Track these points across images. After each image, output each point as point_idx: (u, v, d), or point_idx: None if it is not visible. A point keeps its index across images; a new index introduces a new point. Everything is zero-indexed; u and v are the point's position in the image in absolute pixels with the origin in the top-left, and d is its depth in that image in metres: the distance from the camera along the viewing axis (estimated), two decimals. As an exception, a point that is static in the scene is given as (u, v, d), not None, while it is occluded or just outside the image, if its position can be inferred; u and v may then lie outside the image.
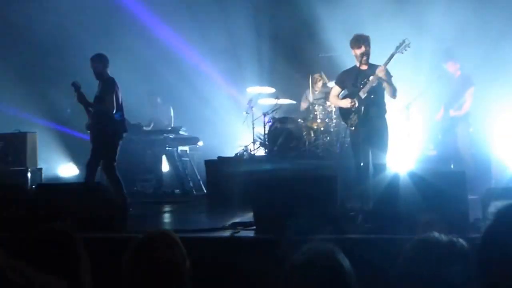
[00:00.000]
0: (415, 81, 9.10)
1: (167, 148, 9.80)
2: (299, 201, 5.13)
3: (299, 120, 9.37)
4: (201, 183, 9.64)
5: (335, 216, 5.02)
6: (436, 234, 2.07)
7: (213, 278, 4.52)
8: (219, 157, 8.98)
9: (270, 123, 9.37)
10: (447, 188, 4.89)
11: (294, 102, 10.35)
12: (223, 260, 4.67)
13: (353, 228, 5.05)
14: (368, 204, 5.53)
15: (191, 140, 9.99)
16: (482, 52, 9.15)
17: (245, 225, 5.42)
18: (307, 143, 9.16)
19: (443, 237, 2.05)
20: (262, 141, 9.55)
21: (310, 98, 9.75)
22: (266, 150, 9.38)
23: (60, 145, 11.38)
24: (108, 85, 7.14)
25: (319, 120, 9.20)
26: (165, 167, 10.21)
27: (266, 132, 9.30)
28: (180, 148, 9.92)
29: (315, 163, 8.34)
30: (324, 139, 9.36)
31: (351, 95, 6.45)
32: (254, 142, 9.61)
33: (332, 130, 9.25)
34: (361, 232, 4.87)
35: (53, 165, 10.91)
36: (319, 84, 9.99)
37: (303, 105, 10.07)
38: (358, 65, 6.44)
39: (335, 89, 6.88)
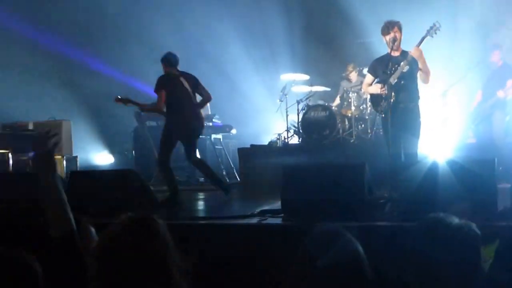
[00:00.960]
0: (453, 67, 9.05)
1: (200, 136, 9.96)
2: (326, 189, 5.23)
3: (333, 107, 9.42)
4: (235, 171, 9.81)
5: (362, 203, 5.09)
6: (445, 215, 2.15)
7: (239, 264, 4.70)
8: (252, 145, 9.12)
9: (304, 111, 9.44)
10: (476, 176, 4.90)
11: (328, 89, 10.39)
12: (250, 246, 4.81)
13: (381, 215, 5.11)
14: (397, 192, 5.58)
15: (224, 128, 10.15)
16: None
17: (273, 212, 5.54)
18: (341, 131, 9.21)
19: (454, 220, 2.13)
20: (296, 129, 9.65)
21: (345, 86, 9.79)
22: (300, 138, 9.48)
23: (95, 133, 11.72)
24: None
25: (353, 108, 9.23)
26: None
27: (300, 120, 9.39)
28: (214, 136, 10.08)
29: (348, 151, 8.40)
30: (359, 126, 9.39)
31: (381, 82, 6.49)
32: (287, 130, 9.70)
33: (367, 117, 9.26)
34: (388, 219, 4.93)
35: (89, 153, 11.24)
36: (353, 74, 9.99)
37: (337, 100, 10.11)
38: (389, 51, 6.46)
39: (368, 77, 6.92)
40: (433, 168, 5.23)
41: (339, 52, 11.07)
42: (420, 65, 6.41)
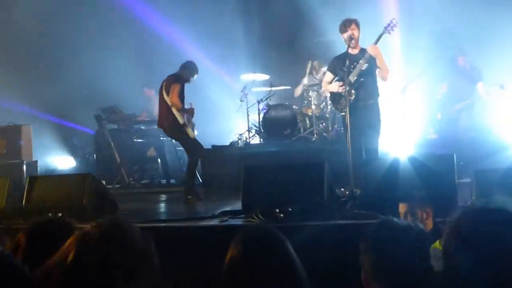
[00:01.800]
0: (411, 63, 9.10)
1: (161, 138, 9.81)
2: (286, 188, 5.16)
3: (293, 106, 9.38)
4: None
5: (322, 202, 5.02)
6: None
7: (200, 266, 4.58)
8: (214, 146, 9.02)
9: (264, 110, 9.38)
10: (436, 171, 4.91)
11: (288, 87, 10.35)
12: (209, 248, 4.69)
13: (342, 214, 5.05)
14: (358, 190, 5.54)
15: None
16: (484, 31, 9.15)
17: (234, 213, 5.44)
18: (302, 129, 9.18)
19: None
20: (257, 129, 9.57)
21: (305, 82, 9.74)
22: (261, 138, 9.41)
23: (57, 137, 11.43)
24: None
25: (313, 106, 9.19)
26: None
27: (261, 119, 9.32)
28: (175, 138, 9.91)
29: (309, 150, 8.37)
30: (320, 125, 9.37)
31: (341, 80, 6.46)
32: (249, 130, 9.62)
33: (327, 115, 9.25)
34: (348, 217, 4.88)
35: (50, 158, 10.96)
36: (321, 71, 9.94)
37: (297, 91, 10.06)
38: (347, 49, 6.45)
39: (328, 76, 6.90)
40: (394, 165, 5.22)
41: (299, 51, 11.04)
42: (378, 63, 6.40)
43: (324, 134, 9.12)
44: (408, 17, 9.47)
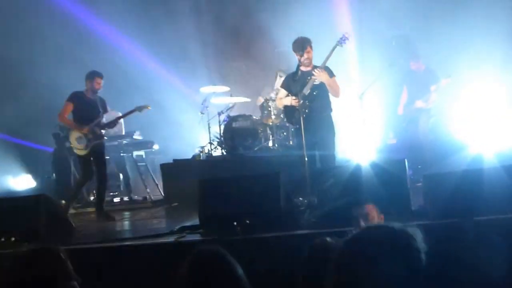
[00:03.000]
0: (367, 69, 9.22)
1: (121, 154, 9.71)
2: (243, 200, 5.17)
3: (254, 117, 9.38)
4: (159, 187, 9.60)
5: (279, 213, 5.03)
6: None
7: (158, 285, 4.52)
8: (175, 160, 8.97)
9: (225, 122, 9.37)
10: (388, 176, 4.97)
11: (248, 100, 10.35)
12: (167, 266, 4.64)
13: (299, 223, 5.07)
14: (315, 198, 5.57)
15: (146, 144, 9.90)
16: (441, 36, 9.33)
17: (192, 228, 5.41)
18: (263, 140, 9.19)
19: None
20: (219, 141, 9.55)
21: (266, 93, 9.78)
22: (223, 150, 9.38)
23: (14, 157, 11.21)
24: None
25: (273, 116, 9.19)
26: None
27: (222, 131, 9.31)
28: (136, 153, 9.83)
29: (270, 160, 8.38)
30: (281, 134, 9.39)
31: (294, 94, 6.55)
32: (210, 143, 9.58)
33: (287, 125, 9.26)
34: (305, 227, 4.90)
35: (8, 178, 10.75)
36: (279, 81, 9.98)
37: (259, 101, 10.09)
38: (301, 67, 6.57)
39: (281, 93, 7.03)
40: (350, 172, 5.28)
41: (259, 62, 11.09)
42: (327, 86, 6.55)
43: (285, 143, 9.14)
44: (360, 24, 9.65)
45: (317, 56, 6.79)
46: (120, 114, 8.48)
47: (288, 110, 6.77)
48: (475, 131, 8.69)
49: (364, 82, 8.78)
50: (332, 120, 6.72)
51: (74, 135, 7.61)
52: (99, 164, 7.70)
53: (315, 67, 6.66)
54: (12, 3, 10.82)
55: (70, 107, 7.55)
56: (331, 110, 6.76)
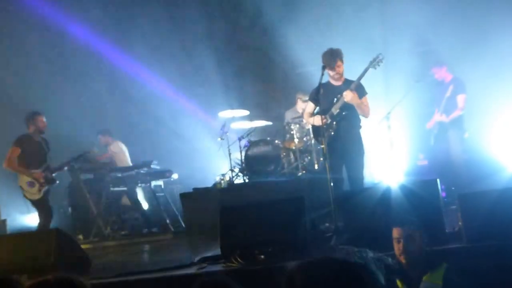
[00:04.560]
0: (393, 89, 9.16)
1: (139, 185, 9.76)
2: (266, 227, 5.11)
3: (276, 141, 9.35)
4: (180, 217, 9.59)
5: (304, 240, 4.97)
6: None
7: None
8: (195, 189, 8.95)
9: (246, 148, 9.35)
10: (420, 198, 4.88)
11: (270, 123, 10.35)
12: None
13: (324, 250, 5.00)
14: (341, 223, 5.50)
15: (164, 173, 9.92)
16: (473, 50, 9.25)
17: (213, 259, 5.37)
18: (286, 165, 9.15)
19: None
20: (240, 168, 9.53)
21: (288, 117, 9.77)
22: (245, 177, 9.35)
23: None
24: None
25: (296, 140, 9.16)
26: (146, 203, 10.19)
27: (243, 157, 9.29)
28: (154, 183, 9.86)
29: (293, 185, 8.32)
30: (306, 159, 9.33)
31: (323, 112, 6.51)
32: (232, 170, 9.56)
33: (311, 149, 9.22)
34: (331, 254, 4.81)
35: (21, 215, 10.82)
36: (300, 104, 9.96)
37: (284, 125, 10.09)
38: (331, 80, 6.54)
39: (310, 106, 6.99)
40: (379, 194, 5.20)
41: (279, 84, 11.13)
42: (356, 105, 6.50)
43: (310, 168, 9.07)
44: (384, 40, 9.63)
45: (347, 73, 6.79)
46: (124, 148, 8.54)
47: (316, 128, 6.77)
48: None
49: (390, 101, 8.73)
50: (361, 138, 6.67)
51: (24, 180, 7.81)
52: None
53: (346, 81, 6.63)
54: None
55: (18, 151, 7.74)
56: (360, 127, 6.70)
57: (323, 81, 6.65)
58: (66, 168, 8.48)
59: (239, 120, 10.29)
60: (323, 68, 6.33)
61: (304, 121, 8.51)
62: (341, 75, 6.66)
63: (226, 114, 10.04)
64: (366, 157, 6.84)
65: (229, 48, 11.46)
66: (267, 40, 10.77)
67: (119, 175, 9.87)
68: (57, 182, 8.30)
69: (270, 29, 10.59)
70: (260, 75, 11.51)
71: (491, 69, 8.87)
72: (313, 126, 6.98)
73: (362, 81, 6.76)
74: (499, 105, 8.88)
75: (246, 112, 10.26)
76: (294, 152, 9.25)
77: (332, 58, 6.53)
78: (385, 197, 5.07)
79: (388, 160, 8.59)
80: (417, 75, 8.88)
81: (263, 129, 10.43)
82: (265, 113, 10.65)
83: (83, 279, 2.32)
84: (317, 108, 6.95)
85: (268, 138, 9.51)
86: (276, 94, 10.68)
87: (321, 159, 8.99)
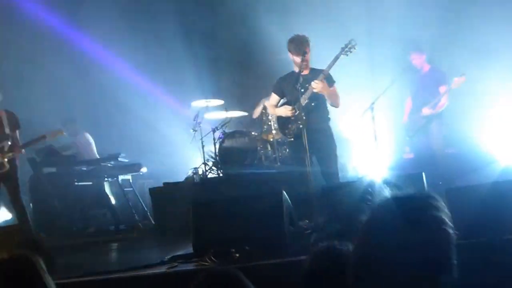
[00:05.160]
0: (378, 78, 9.19)
1: (106, 179, 9.67)
2: (242, 224, 5.11)
3: (252, 133, 9.34)
4: (148, 214, 9.55)
5: (283, 237, 4.98)
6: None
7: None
8: (165, 183, 8.89)
9: (220, 139, 9.33)
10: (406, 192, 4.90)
11: (246, 114, 10.33)
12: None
13: (304, 248, 4.99)
14: (322, 219, 5.50)
15: (133, 167, 9.85)
16: (459, 39, 9.32)
17: (185, 257, 5.35)
18: (263, 157, 9.14)
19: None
20: (214, 161, 9.49)
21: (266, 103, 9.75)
22: (220, 171, 9.32)
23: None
24: None
25: (274, 131, 9.15)
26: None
27: (217, 150, 9.26)
28: (121, 177, 9.78)
29: (272, 180, 8.31)
30: (284, 151, 9.32)
31: (290, 103, 6.52)
32: (205, 163, 9.53)
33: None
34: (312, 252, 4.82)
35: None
36: None
37: (256, 112, 10.07)
38: (297, 70, 6.52)
39: (273, 98, 7.00)
40: (360, 188, 5.21)
41: (257, 71, 11.08)
42: (326, 95, 6.51)
43: (289, 161, 9.05)
44: (370, 27, 9.65)
45: (319, 61, 6.78)
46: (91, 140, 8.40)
47: (282, 121, 6.74)
48: (502, 141, 8.66)
49: (375, 91, 8.75)
50: (332, 131, 6.69)
51: None
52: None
53: (313, 70, 6.62)
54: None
55: None
56: (329, 119, 6.73)
57: (288, 71, 6.70)
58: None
59: (214, 110, 10.25)
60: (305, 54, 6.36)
61: (269, 112, 8.49)
62: (308, 63, 6.65)
63: (199, 103, 9.98)
64: (347, 153, 6.90)
65: (204, 34, 11.38)
66: (245, 25, 10.70)
67: (84, 168, 9.78)
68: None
69: (249, 14, 10.53)
70: (236, 63, 11.45)
71: (479, 59, 8.94)
72: (279, 118, 6.96)
73: (338, 70, 6.77)
74: (488, 96, 8.97)
75: (220, 102, 10.22)
76: (271, 144, 9.26)
77: (301, 44, 6.53)
78: (368, 192, 5.08)
79: (372, 154, 8.61)
80: (404, 63, 8.92)
81: (239, 120, 10.40)
82: (241, 103, 10.61)
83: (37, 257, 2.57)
84: (281, 100, 6.98)
85: (244, 130, 9.51)
86: (254, 83, 10.62)
87: (287, 150, 9.02)
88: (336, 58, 6.52)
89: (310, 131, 6.38)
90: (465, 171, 8.22)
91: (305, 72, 6.62)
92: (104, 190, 9.78)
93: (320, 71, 6.58)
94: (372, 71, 9.40)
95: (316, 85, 6.39)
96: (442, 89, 8.49)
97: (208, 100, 10.01)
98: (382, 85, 8.63)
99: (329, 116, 6.76)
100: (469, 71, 8.47)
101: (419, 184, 4.99)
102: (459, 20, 9.40)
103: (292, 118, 6.38)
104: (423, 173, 5.08)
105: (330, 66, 6.52)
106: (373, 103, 8.40)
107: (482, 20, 9.08)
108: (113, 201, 9.89)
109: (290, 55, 6.64)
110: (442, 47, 9.30)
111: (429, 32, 9.32)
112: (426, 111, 8.57)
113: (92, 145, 10.46)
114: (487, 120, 9.01)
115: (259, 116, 9.89)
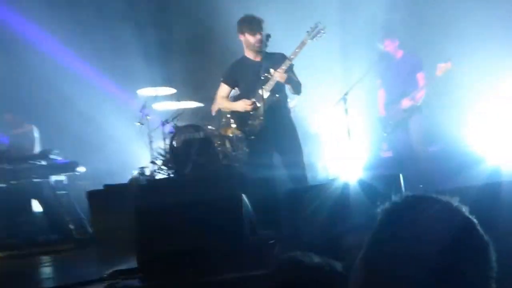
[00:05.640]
0: (351, 65, 9.29)
1: (34, 180, 9.54)
2: (195, 233, 5.11)
3: (209, 127, 9.35)
4: (86, 221, 9.47)
5: (243, 248, 5.01)
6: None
7: None
8: (106, 186, 8.83)
9: (171, 134, 9.31)
10: (380, 196, 4.96)
11: (201, 104, 10.33)
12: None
13: (267, 261, 5.04)
14: (287, 228, 5.55)
15: (67, 166, 9.72)
16: (441, 24, 9.48)
17: (128, 272, 5.34)
18: (221, 156, 9.15)
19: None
20: (164, 159, 9.47)
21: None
22: (170, 171, 9.30)
23: None
24: None
25: (233, 125, 9.15)
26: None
27: (168, 146, 9.24)
28: (54, 178, 9.67)
29: (231, 182, 8.33)
30: (246, 148, 9.34)
31: (246, 94, 6.50)
32: (153, 162, 9.50)
33: (253, 136, 9.26)
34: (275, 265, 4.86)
35: None
36: None
37: (215, 107, 10.07)
38: (251, 55, 6.54)
39: (223, 89, 6.96)
40: (332, 192, 5.27)
41: (215, 56, 11.09)
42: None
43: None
44: (343, 8, 9.76)
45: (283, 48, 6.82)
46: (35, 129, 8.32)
47: (239, 116, 6.72)
48: (490, 137, 8.82)
49: (348, 80, 8.85)
50: (295, 125, 6.72)
51: None
52: None
53: (267, 55, 6.62)
54: None
55: None
56: (290, 112, 6.76)
57: (238, 57, 6.71)
58: None
59: (163, 100, 10.25)
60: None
61: (219, 106, 8.35)
62: (261, 45, 6.65)
63: (147, 92, 9.95)
64: (317, 151, 6.96)
65: (154, 13, 11.33)
66: (201, 2, 10.71)
67: (8, 167, 9.62)
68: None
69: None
70: (191, 45, 11.43)
71: (463, 49, 9.12)
72: (235, 114, 6.95)
73: (306, 55, 6.79)
74: (473, 86, 9.14)
75: (172, 90, 10.20)
76: (231, 140, 9.27)
77: (257, 23, 6.54)
78: (340, 196, 5.15)
79: (345, 151, 8.70)
80: (381, 50, 9.03)
81: (193, 111, 10.39)
82: (196, 92, 10.60)
83: None
84: (233, 91, 6.99)
85: (199, 123, 9.50)
86: (211, 69, 10.60)
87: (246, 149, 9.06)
88: (303, 44, 6.53)
89: (273, 128, 6.41)
90: (449, 172, 8.35)
91: (258, 58, 6.65)
92: (33, 193, 9.66)
93: (280, 55, 6.60)
94: (345, 57, 9.50)
95: (281, 75, 6.38)
96: (420, 76, 8.62)
97: (156, 88, 9.97)
98: (356, 73, 8.74)
99: (289, 106, 6.77)
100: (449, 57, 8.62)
101: (396, 186, 5.06)
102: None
103: (252, 113, 6.37)
104: (401, 175, 5.15)
105: (296, 54, 6.52)
106: (346, 94, 8.48)
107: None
108: (43, 206, 9.77)
109: (241, 37, 6.64)
110: (416, 31, 9.45)
111: (399, 14, 9.51)
112: (406, 102, 8.66)
113: (34, 141, 10.30)
114: (472, 114, 9.18)
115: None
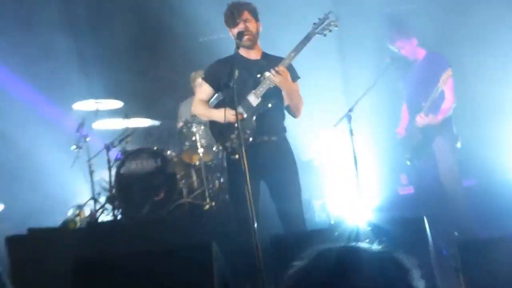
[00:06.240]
0: (355, 75, 9.33)
1: None
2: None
3: (168, 152, 9.32)
4: (3, 275, 9.39)
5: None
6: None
7: None
8: (31, 229, 8.80)
9: (119, 162, 9.27)
10: (403, 244, 4.97)
11: (157, 122, 10.32)
12: None
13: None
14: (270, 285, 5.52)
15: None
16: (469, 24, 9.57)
17: None
18: (185, 191, 9.10)
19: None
20: (108, 195, 9.42)
21: (185, 113, 9.75)
22: (116, 210, 9.25)
23: None
24: None
25: (201, 150, 9.13)
26: None
27: (114, 178, 9.20)
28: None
29: (198, 226, 8.32)
30: (216, 181, 9.31)
31: (232, 102, 6.41)
32: (94, 199, 9.45)
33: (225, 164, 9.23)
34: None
35: None
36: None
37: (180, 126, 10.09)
38: (243, 52, 6.50)
39: (204, 91, 6.86)
40: (334, 241, 5.22)
41: (173, 59, 11.13)
42: (287, 92, 6.47)
43: (223, 195, 9.03)
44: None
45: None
46: None
47: (219, 128, 6.60)
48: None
49: (352, 93, 8.87)
50: (290, 147, 6.65)
51: None
52: None
53: (266, 55, 6.62)
54: None
55: None
56: (285, 130, 6.69)
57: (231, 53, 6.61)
58: None
59: (107, 116, 10.21)
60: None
61: (194, 112, 8.12)
62: (254, 38, 6.59)
63: (85, 106, 9.93)
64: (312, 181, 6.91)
65: (90, 6, 11.38)
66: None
67: None
68: None
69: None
70: (142, 47, 11.47)
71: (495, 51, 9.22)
72: (215, 126, 6.81)
73: (298, 63, 6.71)
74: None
75: (118, 104, 10.18)
76: (197, 170, 9.25)
77: (235, 10, 6.47)
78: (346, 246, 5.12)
79: (351, 186, 8.64)
80: (391, 51, 9.00)
81: (147, 131, 10.38)
82: (149, 106, 10.63)
83: None
84: (216, 95, 6.92)
85: (155, 147, 9.47)
86: (169, 77, 10.66)
87: (221, 180, 8.99)
88: (308, 38, 6.43)
89: (264, 146, 6.36)
90: (492, 214, 8.32)
91: (253, 55, 6.60)
92: None
93: (280, 59, 6.51)
94: (347, 64, 9.53)
95: (276, 76, 6.29)
96: (444, 76, 8.29)
97: (98, 101, 9.93)
98: (363, 83, 8.73)
99: (284, 125, 6.71)
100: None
101: (420, 232, 5.05)
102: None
103: (236, 125, 6.20)
104: (425, 218, 5.15)
105: (297, 50, 6.42)
106: (350, 110, 8.43)
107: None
108: None
109: (229, 33, 6.60)
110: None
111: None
112: (420, 120, 8.44)
113: None
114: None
115: (178, 126, 9.86)
